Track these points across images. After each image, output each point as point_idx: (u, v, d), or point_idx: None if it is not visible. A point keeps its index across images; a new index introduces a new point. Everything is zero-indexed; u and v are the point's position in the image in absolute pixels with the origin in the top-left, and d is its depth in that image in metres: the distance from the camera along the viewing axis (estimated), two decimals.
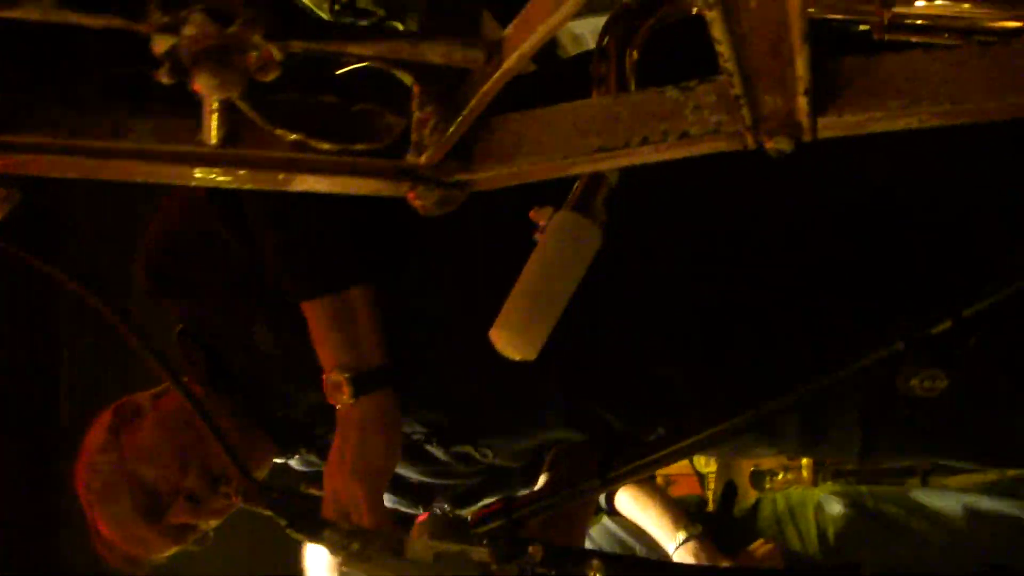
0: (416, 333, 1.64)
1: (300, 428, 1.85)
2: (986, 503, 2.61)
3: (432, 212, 0.98)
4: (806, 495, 2.91)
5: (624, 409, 1.69)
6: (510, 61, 0.73)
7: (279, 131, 0.88)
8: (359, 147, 0.92)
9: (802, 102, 0.79)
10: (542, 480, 1.70)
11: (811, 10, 1.34)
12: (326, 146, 0.91)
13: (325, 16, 2.79)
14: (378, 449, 1.59)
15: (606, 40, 1.25)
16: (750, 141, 0.85)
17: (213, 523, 1.83)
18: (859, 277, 1.49)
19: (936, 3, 1.26)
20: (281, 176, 0.96)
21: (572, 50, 2.87)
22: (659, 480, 3.50)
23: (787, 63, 0.74)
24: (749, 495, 3.29)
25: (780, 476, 4.16)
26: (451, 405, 1.73)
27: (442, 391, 1.69)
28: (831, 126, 0.85)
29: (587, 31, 2.75)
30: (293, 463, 1.95)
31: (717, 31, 0.66)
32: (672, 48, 1.20)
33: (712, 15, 0.64)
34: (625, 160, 0.89)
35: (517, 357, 1.07)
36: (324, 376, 1.57)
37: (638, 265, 1.55)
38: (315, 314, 1.57)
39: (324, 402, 1.61)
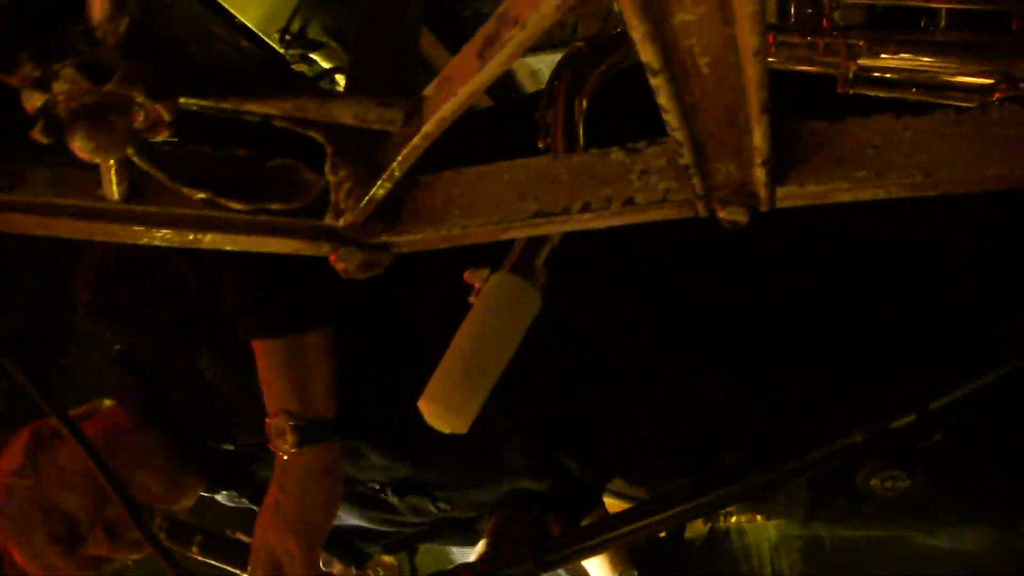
0: (374, 380, 1.56)
1: (234, 466, 1.76)
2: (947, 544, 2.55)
3: (355, 275, 0.89)
4: (761, 533, 2.85)
5: (586, 457, 1.63)
6: (430, 124, 0.65)
7: (185, 189, 0.80)
8: (274, 206, 0.83)
9: (760, 173, 0.71)
10: (481, 546, 1.62)
11: (772, 60, 1.28)
12: (238, 206, 0.82)
13: (275, 46, 2.72)
14: (317, 503, 1.49)
15: (554, 86, 1.17)
16: (701, 210, 0.77)
17: (134, 556, 1.73)
18: (824, 338, 1.42)
19: (903, 56, 1.20)
20: (191, 235, 0.86)
21: (529, 86, 2.81)
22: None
23: (743, 132, 0.66)
24: (702, 527, 3.23)
25: (735, 519, 4.10)
26: (410, 455, 1.64)
27: (401, 440, 1.61)
28: (791, 196, 0.77)
29: (544, 66, 2.69)
30: (220, 498, 1.85)
31: (664, 99, 0.58)
32: (625, 96, 1.12)
33: (657, 82, 0.56)
34: (564, 226, 0.81)
35: (447, 430, 0.98)
36: (268, 420, 1.48)
37: (598, 314, 1.49)
38: (267, 353, 1.47)
39: (264, 444, 1.52)
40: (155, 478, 1.66)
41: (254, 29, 2.59)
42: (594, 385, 1.54)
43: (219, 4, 2.51)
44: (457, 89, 0.60)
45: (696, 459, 1.52)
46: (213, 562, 1.68)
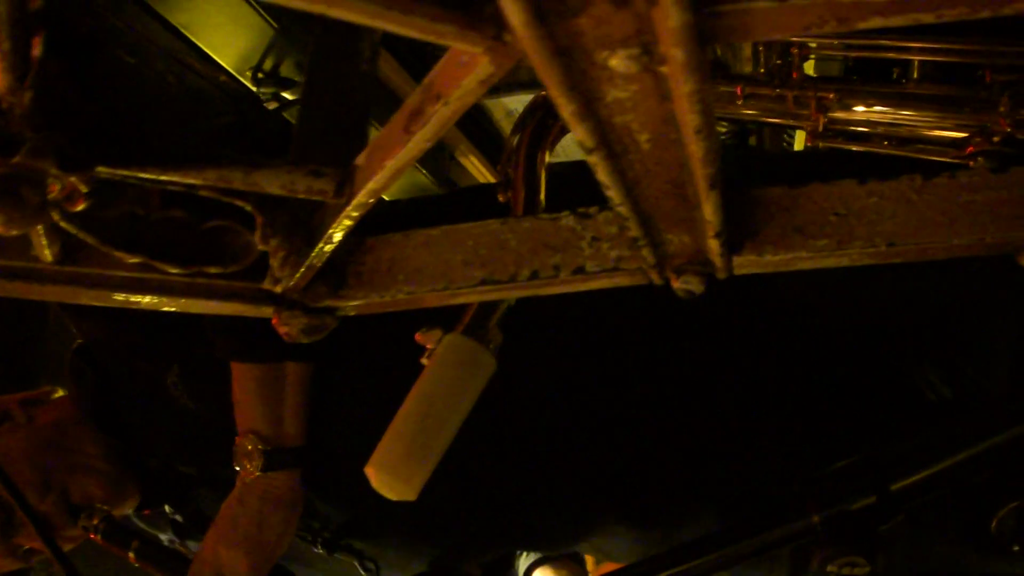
0: (327, 436, 1.52)
1: (169, 487, 1.71)
2: None
3: (299, 340, 0.86)
4: None
5: (537, 533, 1.60)
6: (362, 196, 0.61)
7: (118, 253, 0.76)
8: (211, 270, 0.79)
9: (713, 244, 0.67)
10: None
11: (747, 112, 1.25)
12: (173, 269, 0.79)
13: (248, 84, 2.68)
14: (273, 526, 1.45)
15: (516, 139, 1.14)
16: (655, 279, 0.73)
17: (66, 547, 1.67)
18: (773, 418, 1.37)
19: (875, 109, 1.17)
20: (128, 297, 0.83)
21: (505, 126, 2.77)
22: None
23: (693, 207, 0.62)
24: None
25: None
26: (350, 507, 1.60)
27: (349, 497, 1.57)
28: (749, 265, 0.73)
29: (520, 106, 2.65)
30: (134, 517, 1.80)
31: (603, 176, 0.54)
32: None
33: (593, 159, 0.52)
34: (512, 294, 0.78)
35: (394, 498, 0.94)
36: (237, 439, 1.45)
37: (551, 378, 1.44)
38: (244, 375, 1.44)
39: (201, 476, 1.49)
40: (95, 477, 1.60)
41: (228, 68, 2.55)
42: (548, 453, 1.50)
43: (195, 43, 2.48)
44: (386, 162, 0.56)
45: (653, 530, 1.48)
46: (149, 570, 1.64)
